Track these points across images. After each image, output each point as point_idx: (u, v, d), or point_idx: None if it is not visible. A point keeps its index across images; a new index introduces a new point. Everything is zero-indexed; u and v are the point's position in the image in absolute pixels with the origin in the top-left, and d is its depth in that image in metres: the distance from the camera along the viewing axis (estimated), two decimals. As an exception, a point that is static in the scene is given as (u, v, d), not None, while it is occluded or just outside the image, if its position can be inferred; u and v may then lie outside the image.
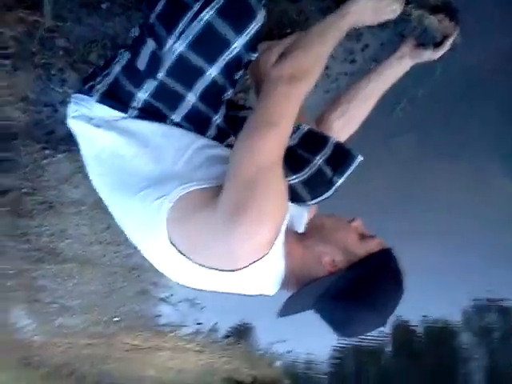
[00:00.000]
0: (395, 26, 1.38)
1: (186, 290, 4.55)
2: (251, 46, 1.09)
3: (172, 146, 1.06)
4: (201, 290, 1.12)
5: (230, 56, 1.06)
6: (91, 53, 1.67)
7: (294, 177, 1.14)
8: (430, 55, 1.37)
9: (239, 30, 1.04)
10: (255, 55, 1.14)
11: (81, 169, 2.21)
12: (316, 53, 1.05)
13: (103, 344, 5.69)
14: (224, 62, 1.06)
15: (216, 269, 0.96)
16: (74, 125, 1.14)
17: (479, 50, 1.87)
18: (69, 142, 2.03)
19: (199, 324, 5.46)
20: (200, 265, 0.97)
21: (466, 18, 1.40)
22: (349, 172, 1.21)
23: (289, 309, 1.05)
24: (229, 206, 0.92)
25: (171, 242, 0.97)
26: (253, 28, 1.05)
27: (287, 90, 0.99)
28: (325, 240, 1.05)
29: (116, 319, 4.56)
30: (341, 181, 1.20)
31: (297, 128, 1.19)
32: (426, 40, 1.38)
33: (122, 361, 6.59)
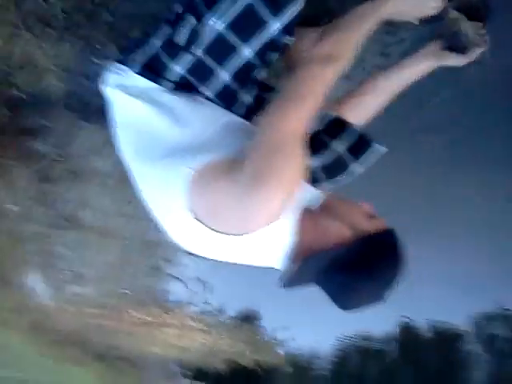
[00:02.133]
0: (431, 25, 1.38)
1: (198, 269, 4.63)
2: (288, 29, 1.10)
3: (200, 119, 1.10)
4: (211, 260, 1.15)
5: (267, 38, 1.08)
6: (133, 28, 1.71)
7: (315, 160, 1.18)
8: (455, 61, 1.35)
9: (278, 13, 1.06)
10: (292, 39, 1.15)
11: (108, 142, 2.25)
12: (350, 38, 1.08)
13: (112, 315, 5.81)
14: (260, 44, 1.08)
15: (229, 233, 1.00)
16: (110, 92, 1.18)
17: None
18: (102, 115, 2.08)
19: (207, 304, 5.55)
20: (213, 230, 1.00)
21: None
22: (369, 163, 1.24)
23: (294, 280, 1.08)
24: (251, 170, 0.95)
25: (188, 208, 1.00)
26: (291, 12, 1.07)
27: (318, 70, 1.03)
28: (335, 217, 1.08)
29: (127, 291, 4.65)
30: (360, 170, 1.24)
31: (325, 114, 1.22)
32: (456, 44, 1.36)
33: (129, 334, 6.71)
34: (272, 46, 1.11)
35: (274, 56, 1.17)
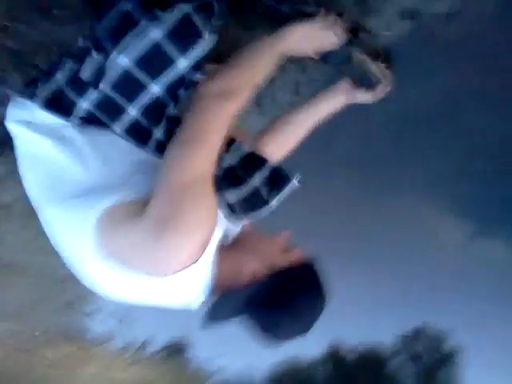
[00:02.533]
0: (339, 64, 1.45)
1: (116, 304, 4.42)
2: (197, 66, 1.10)
3: (109, 157, 1.07)
4: (125, 303, 1.13)
5: (174, 75, 1.08)
6: (37, 56, 1.63)
7: (232, 195, 1.17)
8: (364, 97, 1.44)
9: (185, 51, 1.06)
10: (200, 76, 1.15)
11: (13, 174, 2.12)
12: (246, 74, 1.08)
13: (24, 358, 5.39)
14: (168, 80, 1.08)
15: (144, 273, 0.97)
16: (13, 128, 1.13)
17: (414, 96, 2.02)
18: (3, 145, 1.95)
19: (130, 338, 5.31)
20: (128, 268, 0.97)
21: (402, 67, 1.51)
22: (284, 194, 1.25)
23: (212, 318, 1.06)
24: (156, 217, 0.93)
25: (97, 250, 0.98)
26: (199, 50, 1.07)
27: (215, 107, 1.02)
28: (248, 251, 1.09)
29: (37, 333, 4.34)
30: (275, 202, 1.25)
31: (238, 146, 1.23)
32: (364, 82, 1.46)
33: (44, 377, 6.26)
34: (181, 82, 1.10)
35: (185, 92, 1.16)
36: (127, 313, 4.77)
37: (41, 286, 3.54)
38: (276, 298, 1.03)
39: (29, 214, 2.53)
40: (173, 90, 1.12)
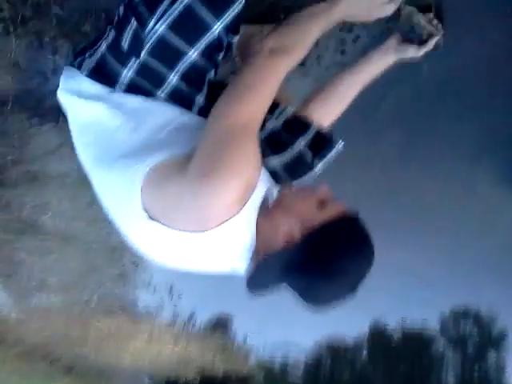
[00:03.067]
0: (386, 20, 1.42)
1: (166, 276, 4.56)
2: (232, 29, 1.11)
3: (154, 120, 1.09)
4: (173, 268, 1.13)
5: (210, 38, 1.08)
6: (85, 23, 1.68)
7: (276, 158, 1.17)
8: (414, 52, 1.40)
9: (218, 13, 1.07)
10: (236, 38, 1.16)
11: (68, 142, 2.20)
12: (300, 33, 1.10)
13: (80, 326, 5.66)
14: (204, 45, 1.09)
15: (187, 230, 0.97)
16: (63, 97, 1.19)
17: (465, 52, 1.93)
18: (57, 113, 2.03)
19: (177, 311, 5.47)
20: (171, 228, 0.98)
21: (453, 21, 1.45)
22: (329, 157, 1.24)
23: (256, 283, 1.05)
24: (199, 165, 0.94)
25: (144, 208, 0.99)
26: (232, 12, 1.08)
27: (268, 61, 1.04)
28: (284, 212, 1.04)
29: (95, 299, 4.54)
30: (320, 165, 1.23)
31: (282, 110, 1.23)
32: (413, 37, 1.42)
33: (98, 345, 6.55)
34: (217, 46, 1.12)
35: (221, 55, 1.17)
36: (176, 286, 4.90)
37: (95, 254, 3.69)
38: (313, 258, 0.99)
39: (82, 184, 2.64)
40: (211, 54, 1.13)
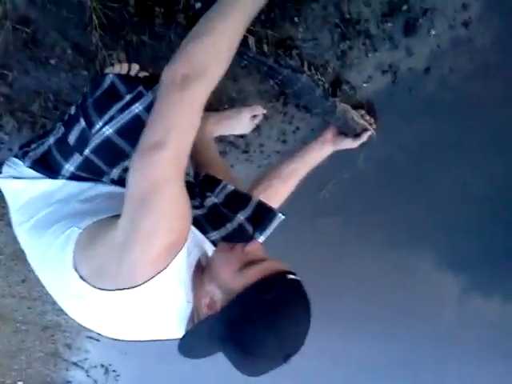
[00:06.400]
0: (323, 115, 1.54)
1: (101, 355, 4.28)
2: None
3: (85, 192, 1.14)
4: (106, 337, 1.09)
5: None
6: (33, 103, 1.69)
7: (215, 233, 1.18)
8: (349, 144, 1.53)
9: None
10: None
11: (2, 216, 2.13)
12: (217, 39, 0.93)
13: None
14: None
15: (116, 288, 0.93)
16: (2, 183, 1.23)
17: (395, 143, 2.11)
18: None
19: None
20: (101, 289, 0.94)
21: (384, 115, 1.60)
22: (270, 229, 1.26)
23: (186, 351, 1.00)
24: (123, 225, 0.91)
25: (75, 268, 0.96)
26: None
27: (180, 95, 0.90)
28: (210, 277, 1.01)
29: (20, 383, 4.17)
30: (261, 237, 1.26)
31: (223, 187, 1.26)
32: (347, 131, 1.55)
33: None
34: None
35: None
36: (111, 367, 4.60)
37: (25, 333, 3.45)
38: (230, 332, 0.92)
39: (15, 259, 2.53)
40: None
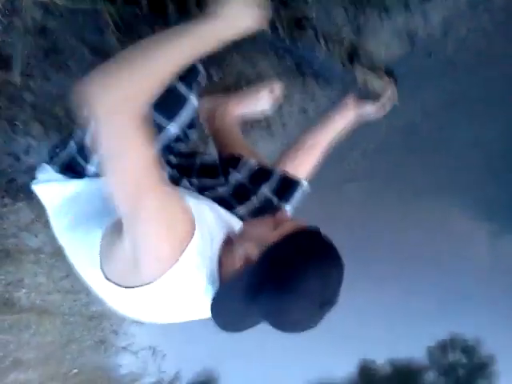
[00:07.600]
0: (344, 88, 1.53)
1: (148, 337, 4.44)
2: (187, 125, 1.17)
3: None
4: (153, 323, 1.15)
5: (166, 137, 1.14)
6: (57, 107, 1.73)
7: (242, 207, 1.22)
8: (371, 107, 1.51)
9: (170, 116, 1.12)
10: (193, 130, 1.23)
11: (40, 217, 2.21)
12: (144, 71, 0.85)
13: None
14: (160, 143, 1.15)
15: (137, 285, 0.97)
16: (38, 189, 1.28)
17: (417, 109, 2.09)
18: (29, 192, 2.04)
19: (161, 372, 5.29)
20: (126, 287, 0.99)
21: (406, 82, 1.58)
22: (295, 198, 1.28)
23: (221, 315, 1.01)
24: (127, 239, 0.95)
25: (101, 268, 1.02)
26: (185, 113, 1.12)
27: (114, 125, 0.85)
28: (242, 240, 1.03)
29: (75, 371, 4.36)
30: (288, 207, 1.27)
31: (244, 163, 1.29)
32: (369, 98, 1.53)
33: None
34: (173, 140, 1.18)
35: (181, 144, 1.28)
36: (158, 348, 4.77)
37: (72, 325, 3.59)
38: (271, 277, 0.93)
39: (56, 256, 2.62)
40: (167, 149, 1.21)
